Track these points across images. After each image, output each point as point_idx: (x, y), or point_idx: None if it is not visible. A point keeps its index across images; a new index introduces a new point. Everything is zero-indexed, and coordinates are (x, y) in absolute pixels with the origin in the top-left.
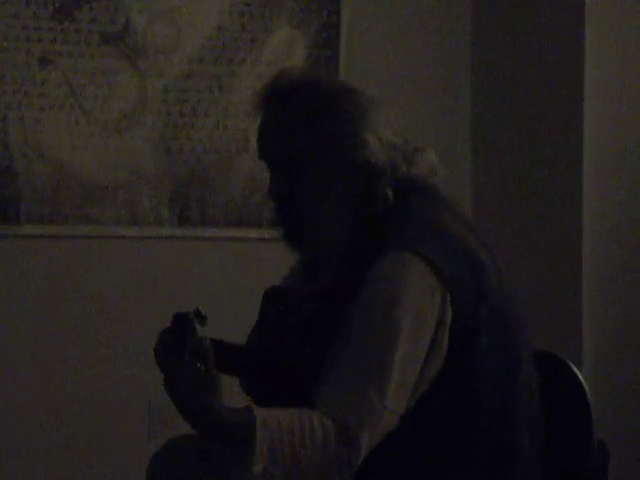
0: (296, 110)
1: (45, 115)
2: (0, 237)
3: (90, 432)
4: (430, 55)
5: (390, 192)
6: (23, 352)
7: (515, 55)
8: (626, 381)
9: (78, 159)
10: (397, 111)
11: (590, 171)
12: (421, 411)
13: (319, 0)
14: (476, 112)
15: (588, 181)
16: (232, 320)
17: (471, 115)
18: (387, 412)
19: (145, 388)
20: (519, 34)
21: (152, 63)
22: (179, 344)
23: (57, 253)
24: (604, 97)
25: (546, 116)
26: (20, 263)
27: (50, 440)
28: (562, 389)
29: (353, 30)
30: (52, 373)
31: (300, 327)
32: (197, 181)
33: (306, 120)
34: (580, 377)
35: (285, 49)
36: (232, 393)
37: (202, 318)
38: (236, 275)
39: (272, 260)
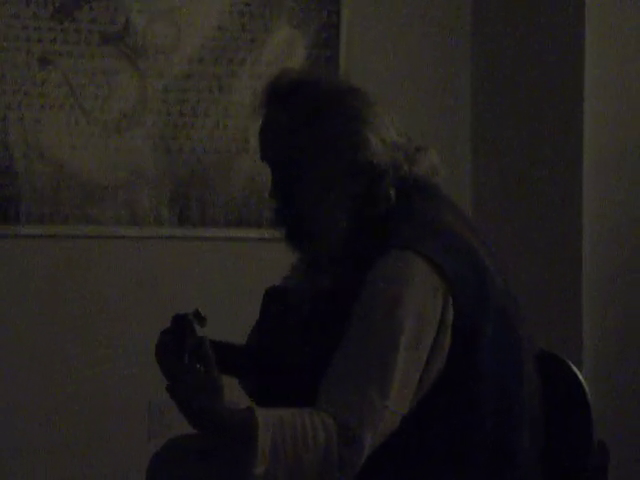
0: (297, 110)
1: (45, 115)
2: (0, 237)
3: (90, 432)
4: (430, 55)
5: (392, 192)
6: (23, 352)
7: (515, 55)
8: (626, 381)
9: (78, 159)
10: (397, 111)
11: (590, 171)
12: (423, 411)
13: (319, 0)
14: (476, 112)
15: (588, 181)
16: (232, 320)
17: (471, 115)
18: (389, 412)
19: (145, 388)
20: (519, 34)
21: (152, 63)
22: (179, 345)
23: (57, 253)
24: (604, 97)
25: (546, 116)
26: (20, 263)
27: (50, 440)
28: (562, 389)
29: (353, 30)
30: (52, 373)
31: (300, 327)
32: (197, 181)
33: (307, 120)
34: (580, 377)
35: (285, 49)
36: (233, 393)
37: (202, 319)
38: (236, 275)
39: (272, 260)
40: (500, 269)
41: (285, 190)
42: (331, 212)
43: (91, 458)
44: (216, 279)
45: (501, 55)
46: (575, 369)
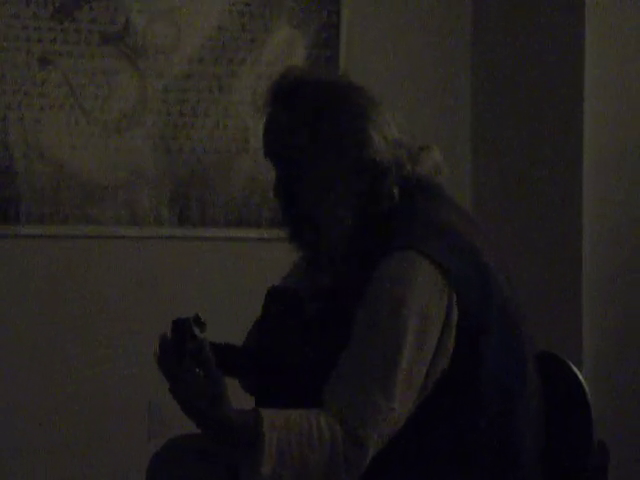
0: (301, 108)
1: (45, 115)
2: (0, 237)
3: (90, 432)
4: (430, 55)
5: (396, 191)
6: (23, 352)
7: (515, 55)
8: (626, 381)
9: (78, 159)
10: (397, 111)
11: (590, 171)
12: (427, 411)
13: (319, 0)
14: (476, 112)
15: (588, 181)
16: (232, 320)
17: (471, 115)
18: (393, 412)
19: (145, 388)
20: (519, 34)
21: (152, 63)
22: (178, 350)
23: (57, 253)
24: (604, 97)
25: (546, 116)
26: (20, 263)
27: (50, 440)
28: (562, 389)
29: (353, 30)
30: (52, 373)
31: (301, 327)
32: (197, 181)
33: (312, 118)
34: (580, 377)
35: (285, 49)
36: (234, 394)
37: (201, 324)
38: (236, 275)
39: (272, 260)
40: (503, 269)
41: (289, 188)
42: (335, 209)
43: (91, 458)
44: (216, 279)
45: (501, 55)
46: (575, 369)
